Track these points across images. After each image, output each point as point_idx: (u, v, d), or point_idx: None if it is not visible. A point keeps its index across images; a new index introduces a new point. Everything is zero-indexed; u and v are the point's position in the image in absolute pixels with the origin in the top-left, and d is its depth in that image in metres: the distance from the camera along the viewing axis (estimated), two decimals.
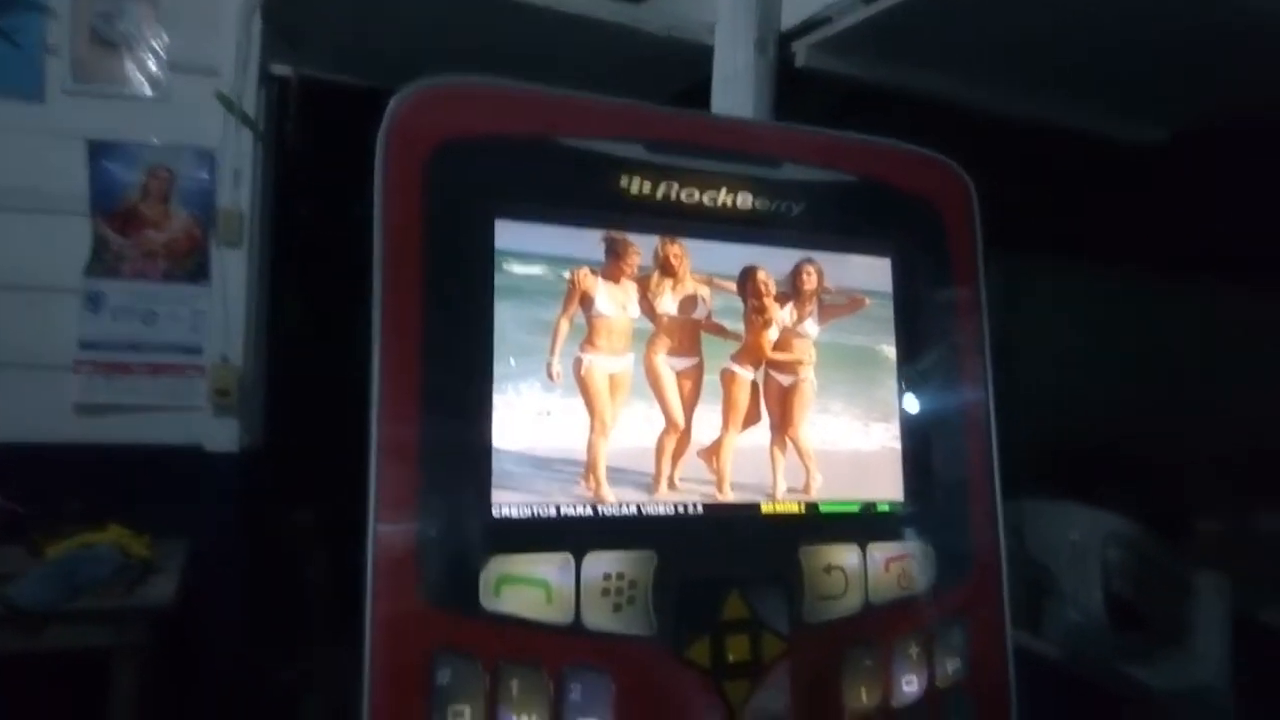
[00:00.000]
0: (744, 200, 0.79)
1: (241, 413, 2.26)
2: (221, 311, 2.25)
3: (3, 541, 1.98)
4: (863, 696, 0.75)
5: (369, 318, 0.68)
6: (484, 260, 0.70)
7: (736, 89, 1.53)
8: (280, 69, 2.27)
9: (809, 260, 0.82)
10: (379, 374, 0.66)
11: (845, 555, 0.77)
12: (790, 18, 1.54)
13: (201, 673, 2.16)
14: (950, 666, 0.79)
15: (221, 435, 2.26)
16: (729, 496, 0.76)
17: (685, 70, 1.86)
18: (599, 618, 0.68)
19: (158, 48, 2.20)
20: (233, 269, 2.26)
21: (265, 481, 2.39)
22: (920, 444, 0.83)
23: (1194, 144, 1.77)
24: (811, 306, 0.82)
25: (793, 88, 1.57)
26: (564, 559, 0.68)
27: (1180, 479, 2.71)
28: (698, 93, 1.68)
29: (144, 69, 2.18)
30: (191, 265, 2.23)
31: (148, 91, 2.20)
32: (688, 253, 0.78)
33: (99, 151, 2.21)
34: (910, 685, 0.77)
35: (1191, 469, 2.72)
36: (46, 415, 2.15)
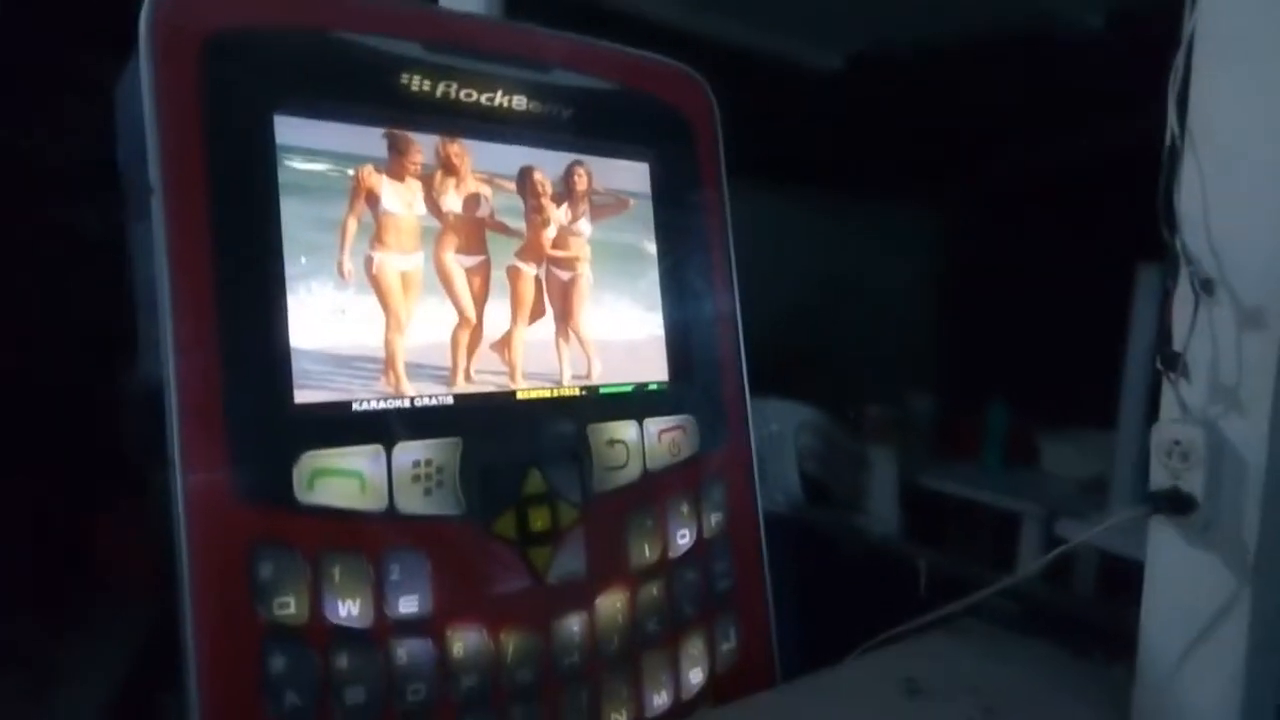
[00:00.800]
0: (519, 102, 0.83)
1: None
2: None
3: None
4: (645, 551, 0.85)
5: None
6: (266, 158, 0.69)
7: None
8: None
9: (579, 162, 0.88)
10: (170, 280, 0.63)
11: (625, 430, 0.86)
12: None
13: None
14: (714, 519, 0.91)
15: None
16: (521, 385, 0.82)
17: None
18: (411, 502, 0.72)
19: None
20: None
21: None
22: (680, 330, 0.93)
23: (866, 71, 2.03)
24: (584, 206, 0.88)
25: None
26: (375, 450, 0.71)
27: (854, 372, 3.11)
28: None
29: None
30: None
31: None
32: (468, 152, 0.81)
33: None
34: (684, 538, 0.88)
35: (865, 363, 3.13)
36: None
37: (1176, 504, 0.70)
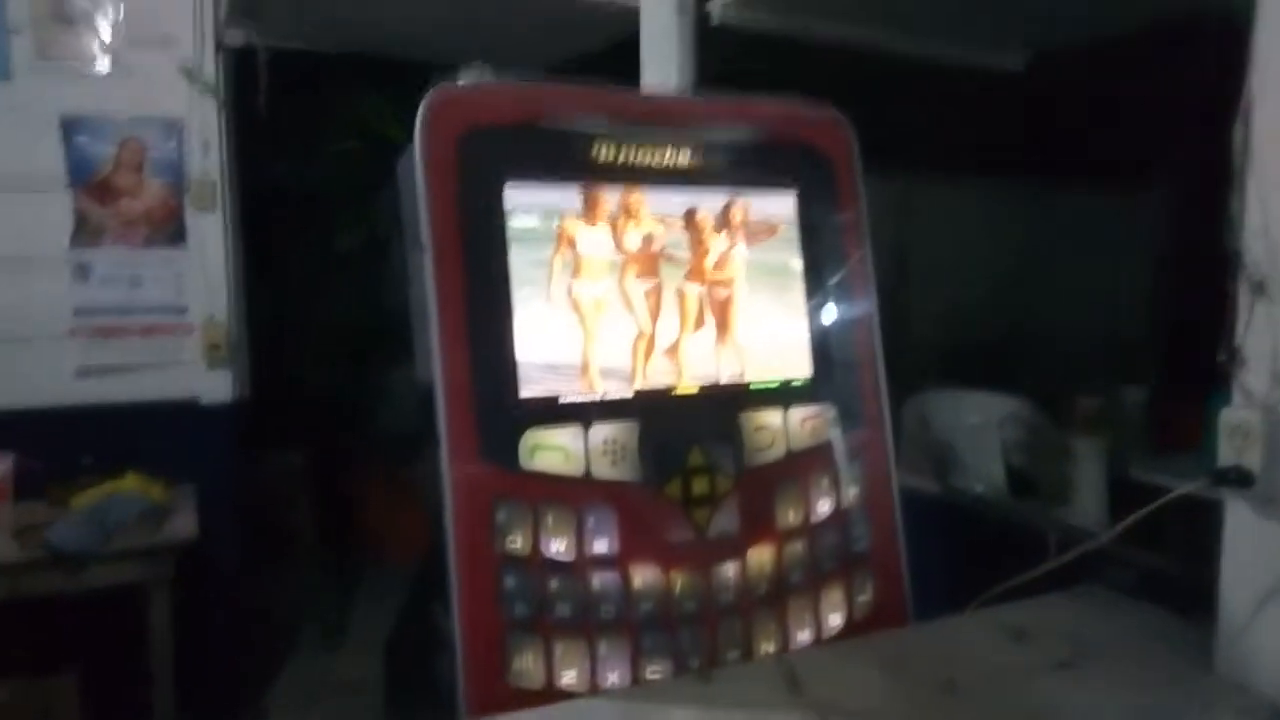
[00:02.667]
0: (684, 158, 1.06)
1: (232, 365, 2.46)
2: (201, 272, 2.43)
3: (22, 498, 2.17)
4: (790, 516, 1.05)
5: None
6: (500, 216, 0.96)
7: (662, 45, 1.77)
8: (235, 37, 2.42)
9: (735, 200, 1.09)
10: (436, 307, 0.91)
11: (771, 418, 1.06)
12: None
13: (218, 601, 2.39)
14: (852, 492, 1.09)
15: (215, 387, 2.46)
16: (686, 381, 1.04)
17: (614, 26, 2.07)
18: (602, 469, 0.96)
19: (117, 21, 2.33)
20: (209, 232, 2.43)
21: (257, 428, 2.60)
22: (822, 334, 1.11)
23: (1046, 69, 2.07)
24: (740, 234, 1.09)
25: (709, 41, 1.82)
26: (576, 430, 0.96)
27: (1061, 363, 3.09)
28: (628, 45, 1.91)
29: (105, 43, 2.32)
30: (170, 230, 2.40)
31: (108, 66, 2.33)
32: (645, 200, 1.04)
33: (70, 127, 2.34)
34: (824, 506, 1.07)
35: (1068, 354, 3.10)
36: (49, 380, 2.32)
37: (1237, 479, 0.81)
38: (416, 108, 0.92)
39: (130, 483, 2.16)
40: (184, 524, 2.15)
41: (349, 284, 3.53)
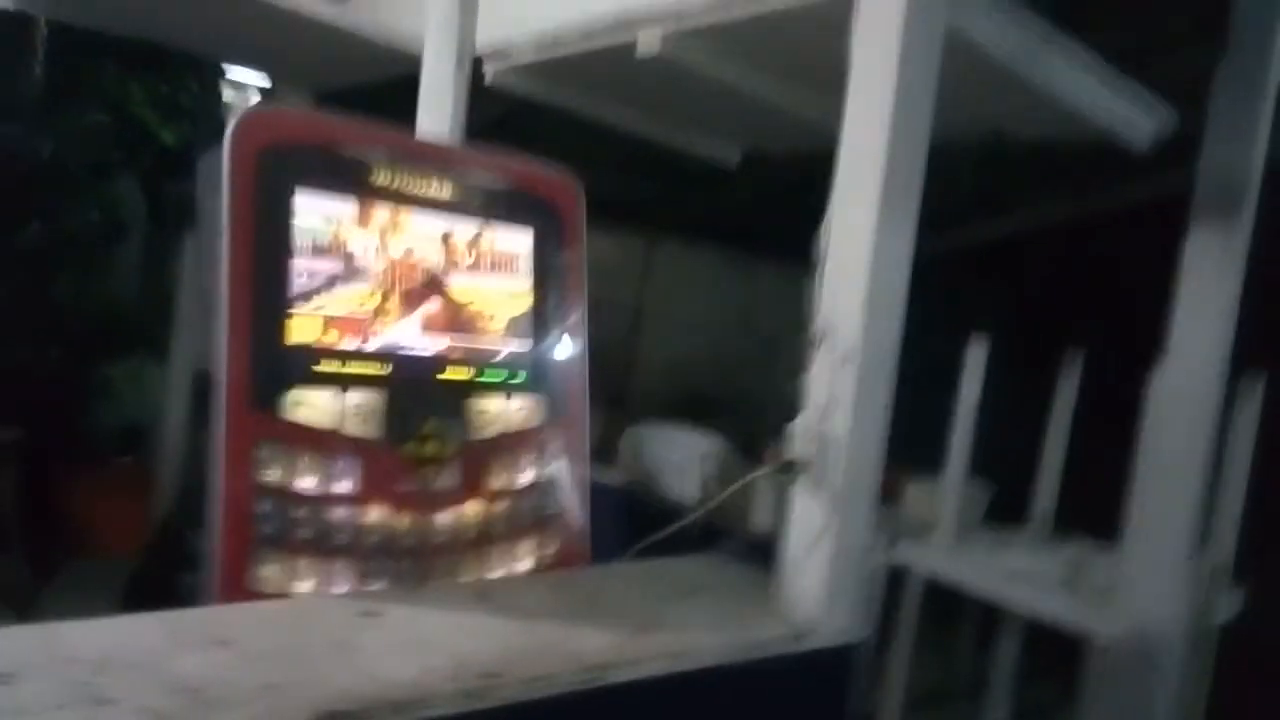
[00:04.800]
0: (445, 191, 1.34)
1: None
2: None
3: None
4: (499, 481, 1.34)
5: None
6: (287, 217, 1.19)
7: (440, 96, 2.04)
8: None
9: (483, 230, 1.38)
10: (228, 284, 1.12)
11: (493, 404, 1.35)
12: (482, 45, 2.07)
13: None
14: (550, 468, 1.40)
15: None
16: (432, 368, 1.31)
17: (397, 65, 2.31)
18: (352, 427, 1.21)
19: None
20: None
21: None
22: (542, 345, 1.43)
23: (756, 165, 2.56)
24: (485, 259, 1.38)
25: (481, 97, 2.11)
26: (334, 393, 1.20)
27: (762, 411, 3.64)
28: (406, 86, 2.16)
29: None
30: None
31: None
32: (410, 219, 1.31)
33: None
34: (526, 476, 1.37)
35: (769, 403, 3.66)
36: None
37: (790, 469, 1.21)
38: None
39: None
40: None
41: (78, 266, 3.42)
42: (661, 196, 3.64)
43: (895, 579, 3.29)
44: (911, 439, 3.54)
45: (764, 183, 2.59)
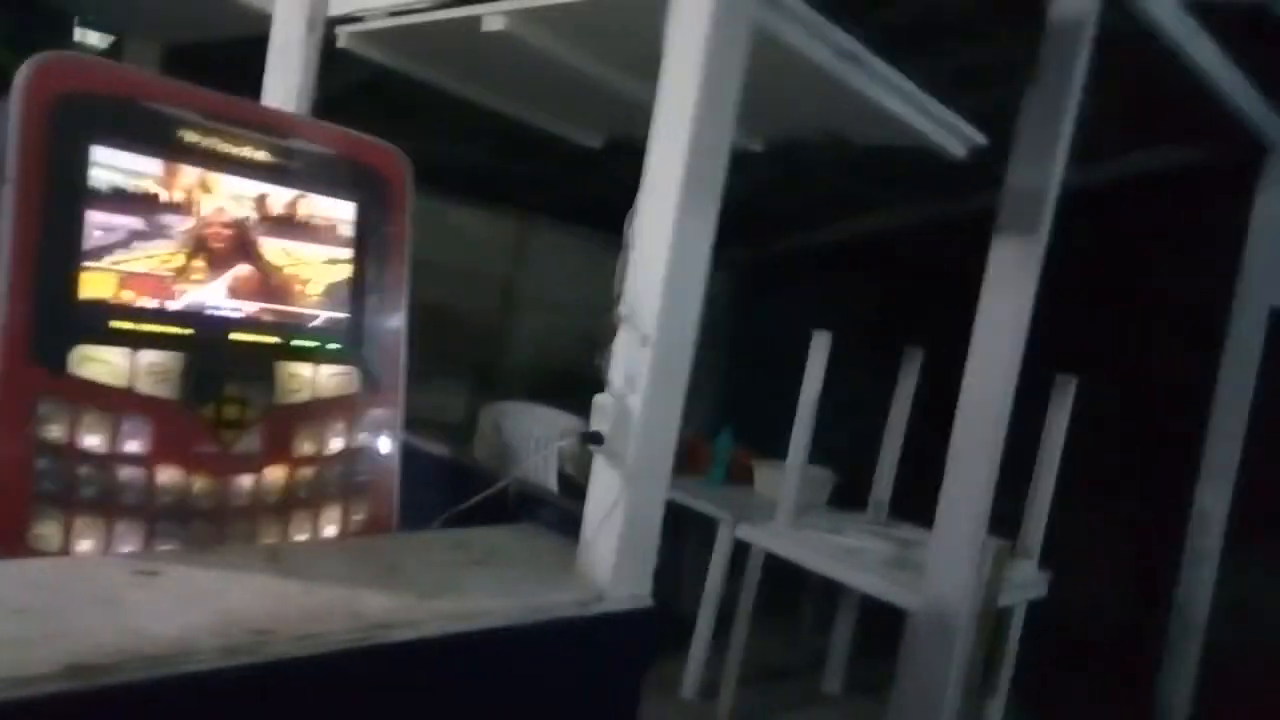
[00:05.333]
0: (263, 155, 1.33)
1: None
2: None
3: None
4: (305, 447, 1.35)
5: None
6: (82, 170, 1.16)
7: (288, 57, 2.01)
8: None
9: (302, 196, 1.38)
10: (10, 234, 1.09)
11: (304, 370, 1.36)
12: (336, 8, 2.04)
13: None
14: (361, 435, 1.41)
15: None
16: (234, 330, 1.30)
17: (241, 24, 2.25)
18: (145, 386, 1.19)
19: None
20: None
21: None
22: (360, 312, 1.43)
23: (624, 149, 2.60)
24: (303, 226, 1.38)
25: (331, 60, 2.08)
26: (125, 352, 1.18)
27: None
28: (253, 45, 2.11)
29: None
30: None
31: None
32: (221, 181, 1.29)
33: None
34: (336, 444, 1.38)
35: None
36: None
37: (594, 439, 1.26)
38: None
39: None
40: None
41: None
42: (535, 177, 3.65)
43: (740, 556, 3.42)
44: (770, 427, 3.69)
45: (631, 167, 2.63)
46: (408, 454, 1.50)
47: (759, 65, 1.34)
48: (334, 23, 2.08)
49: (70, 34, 3.28)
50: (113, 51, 2.99)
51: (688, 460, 3.83)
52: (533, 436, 3.32)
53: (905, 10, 2.74)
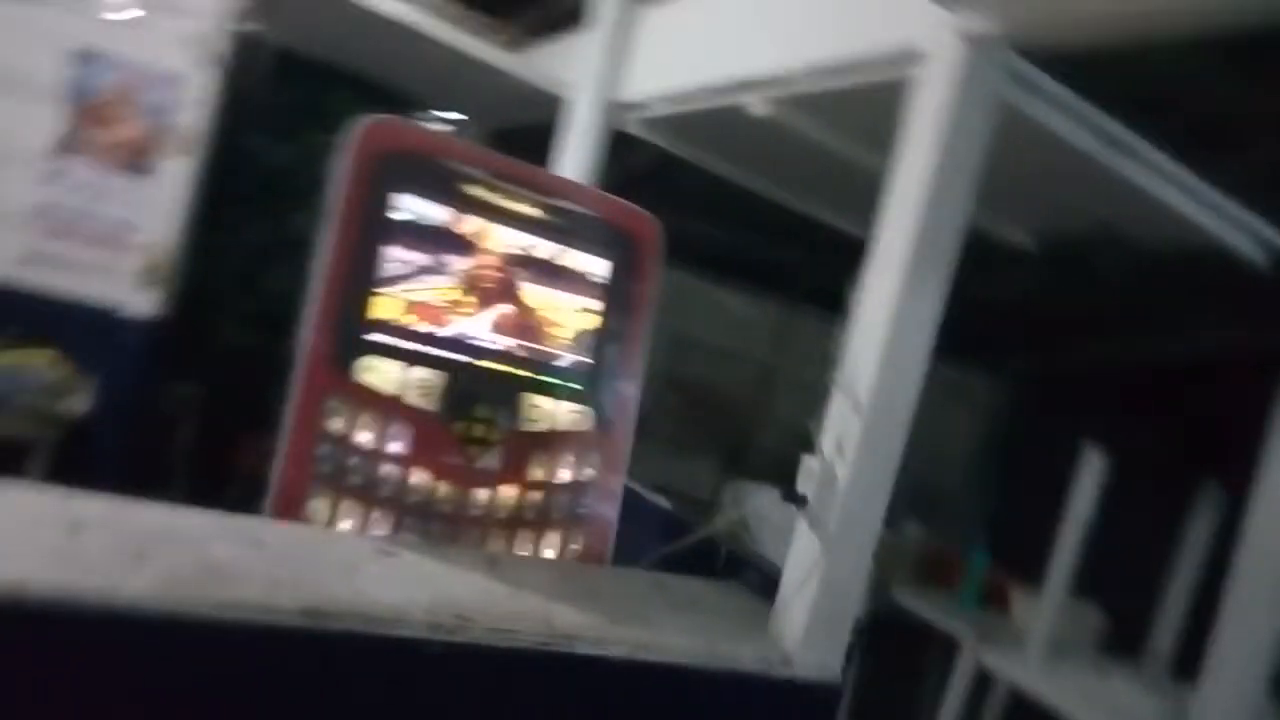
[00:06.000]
0: (534, 211, 1.51)
1: (161, 289, 2.80)
2: (160, 204, 2.79)
3: None
4: (537, 473, 1.48)
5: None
6: (387, 212, 1.39)
7: (582, 139, 2.26)
8: (245, 23, 2.84)
9: (564, 250, 1.54)
10: (326, 263, 1.33)
11: (545, 403, 1.50)
12: (624, 96, 2.27)
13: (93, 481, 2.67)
14: (588, 470, 1.52)
15: (141, 303, 2.79)
16: (492, 361, 1.47)
17: (546, 109, 2.55)
18: (412, 398, 1.38)
19: None
20: (177, 174, 2.80)
21: (163, 347, 2.93)
22: (601, 359, 1.56)
23: None
24: (563, 277, 1.54)
25: (620, 141, 2.32)
26: (401, 366, 1.38)
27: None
28: (547, 129, 2.39)
29: None
30: (144, 164, 2.77)
31: (133, 14, 2.74)
32: (497, 231, 1.49)
33: (81, 55, 2.71)
34: (565, 473, 1.50)
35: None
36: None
37: (798, 500, 1.28)
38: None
39: (41, 357, 2.48)
40: (77, 404, 2.47)
41: (290, 263, 3.88)
42: (800, 262, 3.73)
43: (983, 682, 3.16)
44: (1038, 554, 3.40)
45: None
46: (630, 499, 1.59)
47: (1015, 149, 1.33)
48: (622, 109, 2.32)
49: (420, 119, 3.88)
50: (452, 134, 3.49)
51: (934, 572, 3.62)
52: (771, 520, 3.31)
53: (1194, 107, 2.54)
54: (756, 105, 1.82)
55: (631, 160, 2.54)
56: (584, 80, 2.32)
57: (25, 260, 2.68)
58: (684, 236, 1.77)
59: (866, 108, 1.69)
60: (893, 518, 3.62)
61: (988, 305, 3.21)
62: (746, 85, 1.84)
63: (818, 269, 3.88)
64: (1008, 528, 4.07)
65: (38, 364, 2.46)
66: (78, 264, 2.74)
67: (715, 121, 2.09)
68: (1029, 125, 1.45)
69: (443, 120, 3.73)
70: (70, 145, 2.71)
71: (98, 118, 2.75)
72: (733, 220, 3.33)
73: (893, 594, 3.39)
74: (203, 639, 0.94)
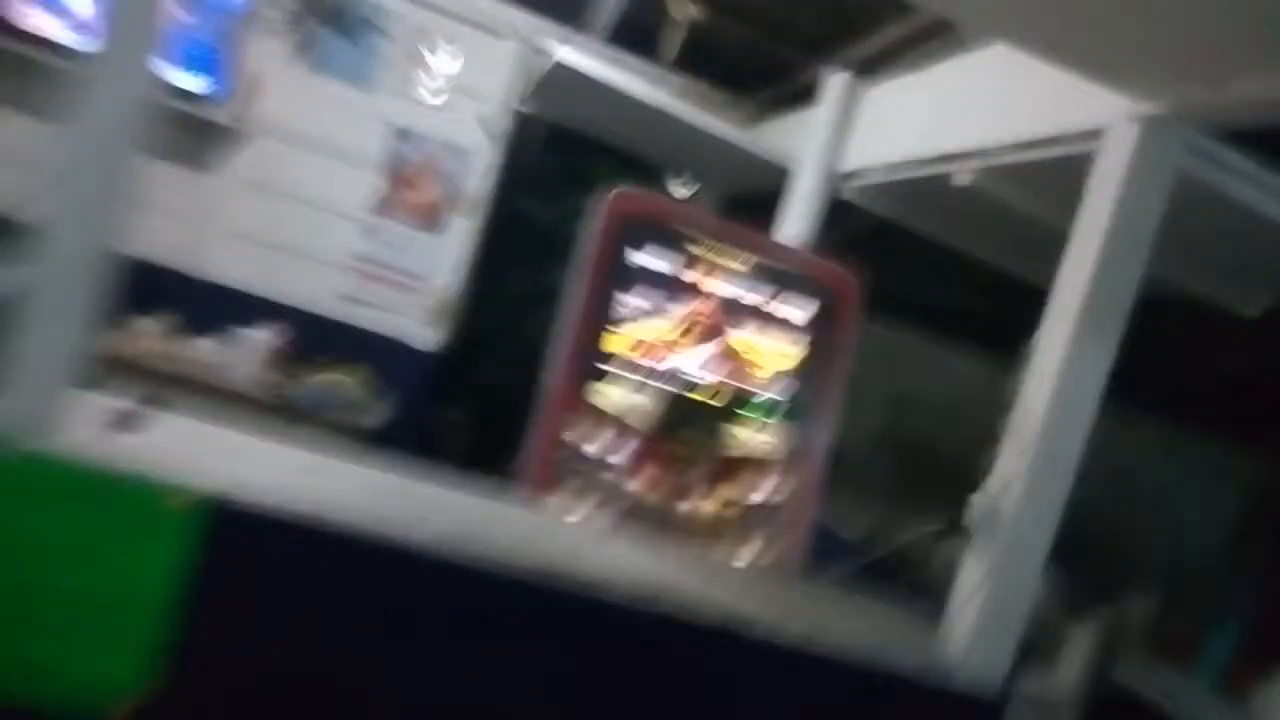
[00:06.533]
0: (745, 266, 1.77)
1: (444, 327, 3.35)
2: (448, 256, 3.34)
3: (277, 367, 3.09)
4: (736, 491, 1.71)
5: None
6: (623, 265, 1.70)
7: (804, 204, 2.50)
8: (524, 106, 3.36)
9: (769, 300, 1.78)
10: (575, 306, 1.66)
11: (745, 431, 1.73)
12: (844, 166, 2.49)
13: None
14: (786, 490, 1.73)
15: (428, 338, 3.34)
16: (702, 393, 1.73)
17: (773, 177, 2.80)
18: (633, 419, 1.67)
19: (452, 75, 3.32)
20: (463, 231, 3.35)
21: (441, 377, 3.48)
22: (797, 397, 1.78)
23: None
24: (767, 324, 1.78)
25: (837, 208, 2.53)
26: (624, 392, 1.67)
27: (1112, 563, 3.48)
28: (774, 195, 2.65)
29: (440, 87, 3.31)
30: (437, 222, 3.34)
31: (438, 101, 3.32)
32: (715, 282, 1.75)
33: (399, 133, 3.33)
34: (761, 493, 1.73)
35: (1121, 556, 3.49)
36: (322, 294, 3.28)
37: (963, 532, 1.42)
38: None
39: (352, 378, 3.05)
40: (375, 418, 3.01)
41: (548, 312, 4.39)
42: (1021, 323, 3.70)
43: None
44: None
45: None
46: (822, 533, 1.79)
47: (1208, 218, 1.42)
48: (840, 178, 2.53)
49: (665, 185, 4.28)
50: (690, 199, 3.84)
51: (1171, 650, 3.41)
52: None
53: None
54: (961, 175, 1.98)
55: (849, 224, 2.74)
56: (809, 152, 2.56)
57: (344, 298, 3.32)
58: (902, 296, 1.95)
59: (1058, 176, 1.81)
60: (1122, 591, 3.48)
61: (1241, 379, 3.06)
62: (951, 157, 2.00)
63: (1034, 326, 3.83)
64: (1265, 610, 3.74)
65: (348, 383, 3.02)
66: (382, 303, 3.34)
67: (920, 189, 2.25)
68: (1215, 195, 1.52)
69: (683, 186, 4.11)
70: (385, 206, 3.33)
71: (407, 184, 3.36)
72: (950, 280, 3.40)
73: (1118, 669, 3.24)
74: (461, 578, 1.25)
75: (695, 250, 1.75)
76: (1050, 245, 2.21)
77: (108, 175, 1.13)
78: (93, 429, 1.16)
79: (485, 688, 1.26)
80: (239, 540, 1.14)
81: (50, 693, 1.07)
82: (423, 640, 1.24)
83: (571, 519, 1.62)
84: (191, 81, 2.88)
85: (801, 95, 3.02)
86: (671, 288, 1.74)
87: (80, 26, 2.72)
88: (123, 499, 1.08)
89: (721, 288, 1.76)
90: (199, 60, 2.92)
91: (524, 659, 1.27)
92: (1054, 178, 1.79)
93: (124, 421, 1.20)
